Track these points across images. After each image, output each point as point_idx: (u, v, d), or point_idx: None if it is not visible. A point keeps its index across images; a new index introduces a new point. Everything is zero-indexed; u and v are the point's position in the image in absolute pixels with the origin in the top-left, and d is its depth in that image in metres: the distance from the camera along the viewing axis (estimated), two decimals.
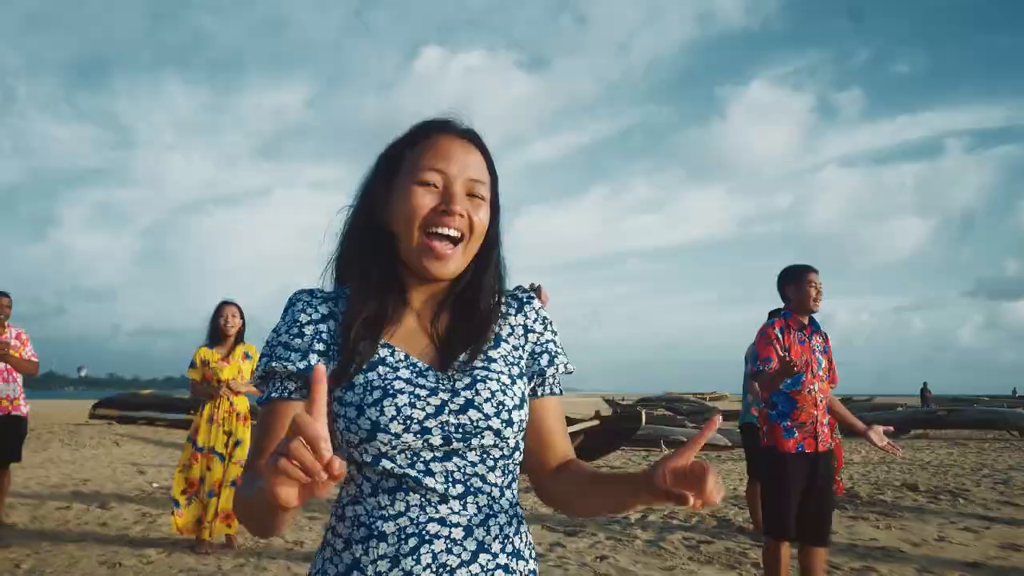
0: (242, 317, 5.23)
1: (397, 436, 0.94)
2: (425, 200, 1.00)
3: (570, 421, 11.25)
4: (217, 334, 5.14)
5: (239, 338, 5.22)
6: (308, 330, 1.00)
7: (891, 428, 3.69)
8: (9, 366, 5.49)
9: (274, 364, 0.98)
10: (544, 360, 1.10)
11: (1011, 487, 7.93)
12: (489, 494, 1.00)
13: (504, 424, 1.00)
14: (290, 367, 0.98)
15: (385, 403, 0.95)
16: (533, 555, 1.07)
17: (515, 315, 1.11)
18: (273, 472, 0.70)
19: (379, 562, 0.95)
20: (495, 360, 1.05)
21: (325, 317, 1.01)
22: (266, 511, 0.84)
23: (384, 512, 0.96)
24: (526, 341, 1.10)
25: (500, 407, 1.00)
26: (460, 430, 0.97)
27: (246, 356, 5.19)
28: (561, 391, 1.14)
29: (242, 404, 5.09)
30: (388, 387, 0.96)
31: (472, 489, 0.99)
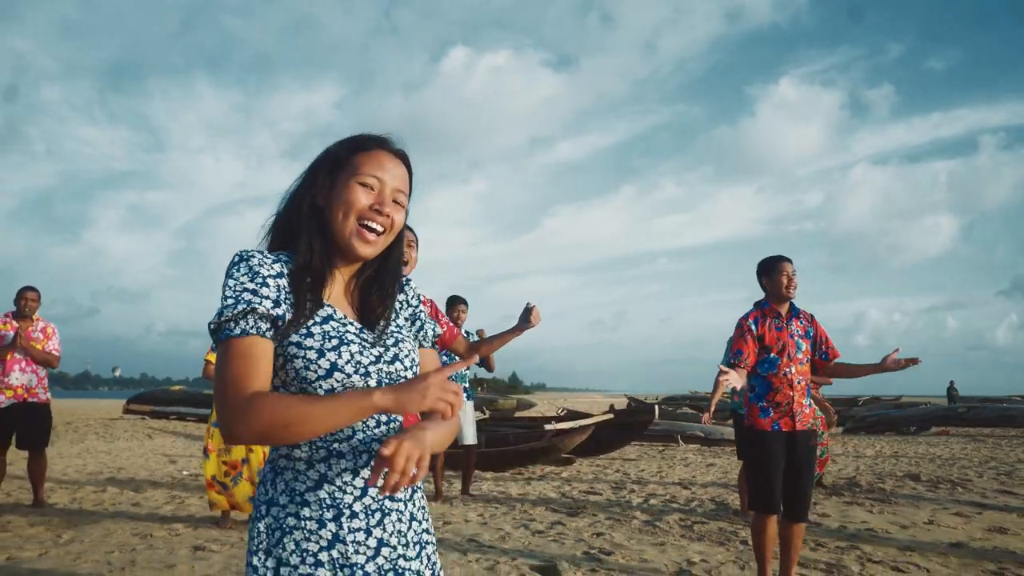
0: None
1: (348, 376, 1.23)
2: (363, 198, 1.29)
3: (585, 415, 11.52)
4: None
5: None
6: (271, 282, 1.24)
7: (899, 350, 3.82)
8: (28, 357, 5.89)
9: (254, 305, 1.20)
10: (418, 325, 1.43)
11: (1013, 478, 8.07)
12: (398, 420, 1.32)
13: (413, 374, 1.33)
14: (269, 310, 1.21)
15: (342, 349, 1.24)
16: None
17: (400, 293, 1.43)
18: (446, 395, 1.15)
19: (343, 474, 1.24)
20: (401, 327, 1.38)
21: (279, 274, 1.27)
22: (332, 419, 1.14)
23: (338, 436, 1.25)
24: (410, 312, 1.43)
25: (412, 362, 1.34)
26: (389, 376, 1.28)
27: None
28: (433, 346, 1.48)
29: None
30: (343, 337, 1.26)
31: (393, 418, 1.30)
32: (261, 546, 1.23)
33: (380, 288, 1.37)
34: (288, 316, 1.23)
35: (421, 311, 1.45)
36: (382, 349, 1.30)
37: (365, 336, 1.30)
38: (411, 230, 3.25)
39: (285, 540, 1.21)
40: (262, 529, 1.24)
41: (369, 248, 1.30)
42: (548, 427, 9.79)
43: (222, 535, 4.88)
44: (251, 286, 1.22)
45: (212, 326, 1.21)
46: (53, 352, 6.01)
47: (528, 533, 5.08)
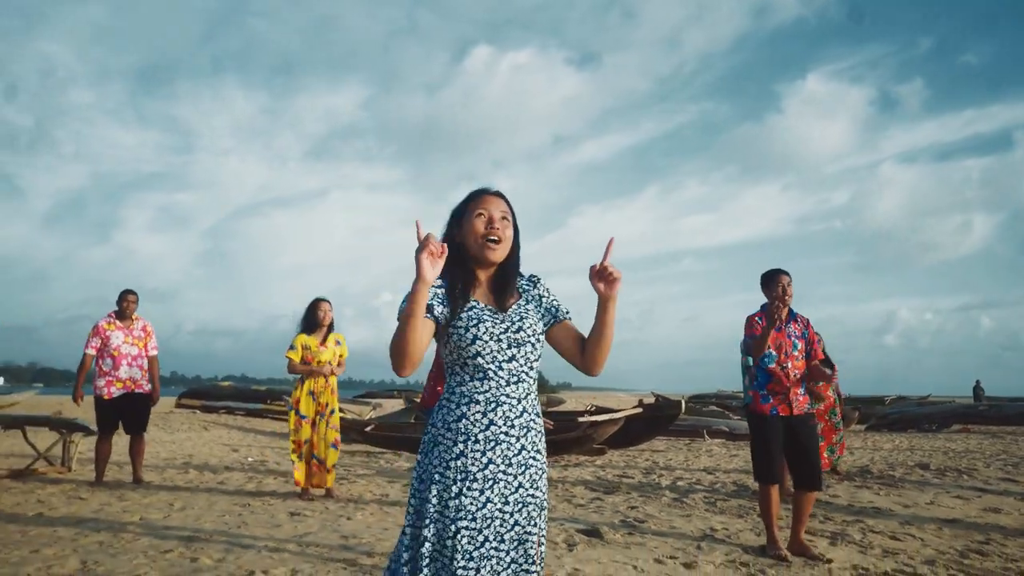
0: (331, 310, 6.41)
1: (485, 341, 1.96)
2: (480, 224, 2.05)
3: (613, 410, 12.21)
4: (314, 324, 6.30)
5: (330, 327, 6.39)
6: (432, 289, 1.95)
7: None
8: (136, 353, 6.79)
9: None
10: (553, 310, 2.13)
11: (1020, 468, 8.65)
12: (527, 384, 2.02)
13: (536, 340, 2.04)
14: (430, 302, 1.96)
15: (480, 325, 1.98)
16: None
17: (533, 288, 2.14)
18: (422, 247, 1.81)
19: (476, 414, 1.96)
20: (530, 309, 2.09)
21: (441, 285, 2.00)
22: (407, 318, 1.84)
23: (477, 387, 1.97)
24: (540, 301, 2.13)
25: (533, 330, 2.04)
26: (515, 341, 2.00)
27: (336, 343, 6.36)
28: (569, 318, 2.14)
29: (334, 380, 6.27)
30: (480, 317, 1.99)
31: (521, 379, 2.01)
32: (421, 450, 1.99)
33: (505, 283, 2.09)
34: (447, 311, 1.98)
35: (552, 299, 2.14)
36: (509, 323, 2.02)
37: (497, 315, 2.03)
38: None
39: (434, 450, 1.96)
40: (425, 441, 1.98)
41: (494, 254, 2.04)
42: (581, 419, 10.50)
43: (310, 506, 5.69)
44: None
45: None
46: (154, 351, 6.94)
47: (571, 506, 5.83)
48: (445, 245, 1.90)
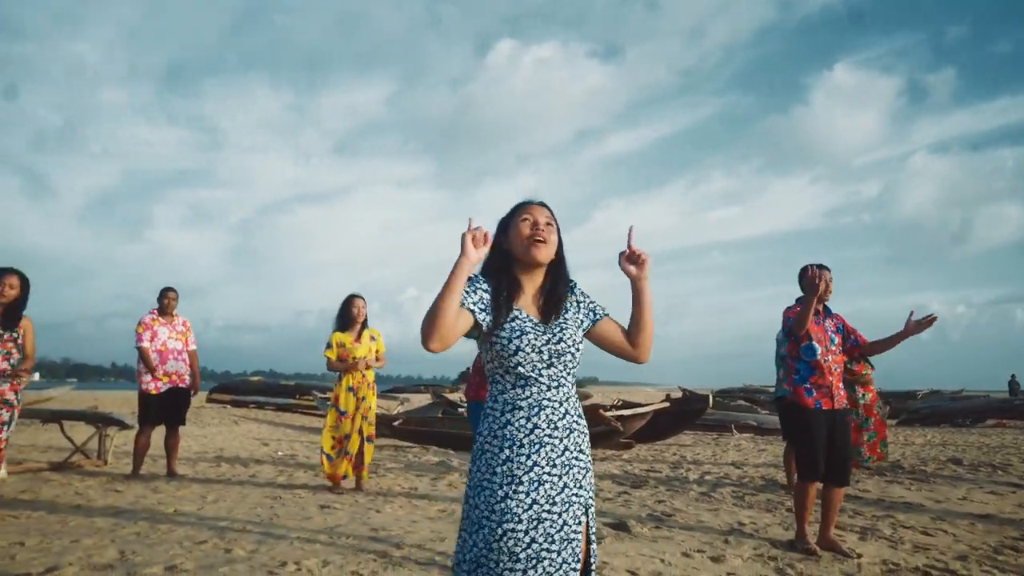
0: (366, 307, 6.48)
1: (527, 353, 2.00)
2: (526, 228, 2.10)
3: (640, 405, 12.21)
4: (348, 320, 6.37)
5: (364, 323, 6.45)
6: (479, 292, 2.02)
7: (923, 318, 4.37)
8: (180, 348, 6.94)
9: (464, 297, 1.97)
10: (591, 311, 2.18)
11: None
12: (567, 387, 2.07)
13: (575, 350, 2.08)
14: (468, 302, 1.98)
15: (523, 337, 2.01)
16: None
17: (570, 295, 2.18)
18: (468, 231, 1.92)
19: (519, 420, 2.00)
20: (568, 318, 2.12)
21: (485, 291, 2.05)
22: (443, 289, 1.88)
23: (519, 394, 2.02)
24: (579, 307, 2.17)
25: (573, 342, 2.09)
26: (555, 352, 2.04)
27: (371, 338, 6.42)
28: (607, 314, 2.20)
29: (371, 375, 6.34)
30: (523, 329, 2.03)
31: (561, 383, 2.05)
32: (472, 458, 2.03)
33: (552, 295, 2.14)
34: (491, 320, 2.02)
35: (589, 302, 2.19)
36: (551, 335, 2.06)
37: (539, 327, 2.06)
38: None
39: (482, 457, 2.00)
40: (474, 449, 2.03)
41: (540, 253, 2.08)
42: (609, 414, 10.50)
43: (339, 499, 5.76)
44: (467, 289, 2.01)
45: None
46: (193, 347, 7.12)
47: (599, 500, 5.85)
48: (488, 233, 1.98)
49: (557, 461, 2.00)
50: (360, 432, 6.17)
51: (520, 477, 1.94)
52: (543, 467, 1.97)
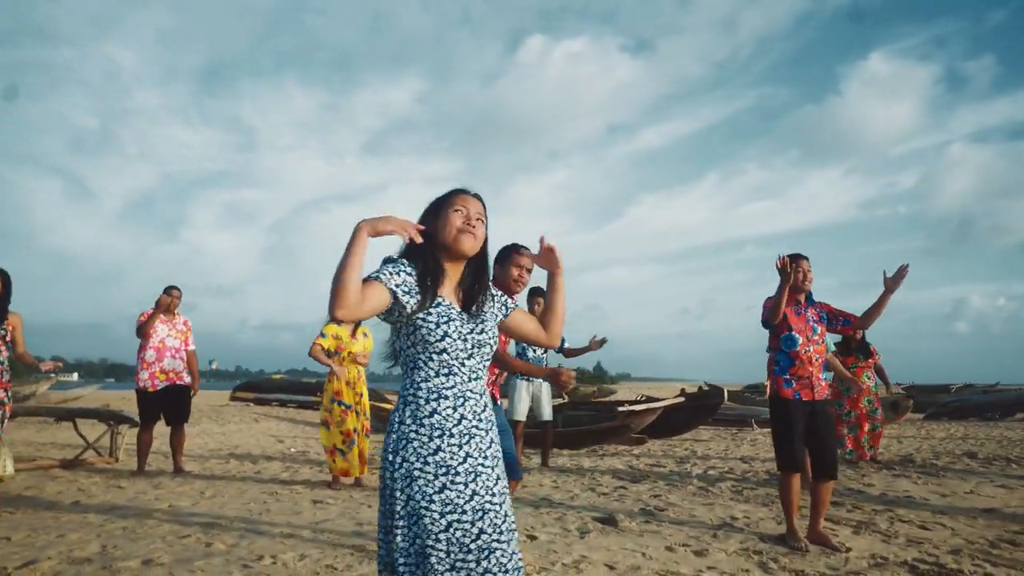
0: None
1: (453, 340, 1.99)
2: (458, 218, 2.07)
3: (657, 399, 12.12)
4: None
5: (359, 321, 6.48)
6: (402, 275, 1.98)
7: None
8: (178, 346, 7.02)
9: (381, 276, 1.94)
10: (504, 305, 2.21)
11: None
12: (483, 380, 2.08)
13: (494, 343, 2.10)
14: (390, 282, 1.94)
15: (450, 323, 2.00)
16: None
17: (490, 295, 2.18)
18: (401, 226, 1.92)
19: (446, 409, 1.98)
20: (487, 312, 2.14)
21: (410, 273, 2.02)
22: (347, 252, 1.82)
23: (444, 383, 2.00)
24: (493, 301, 2.19)
25: (494, 335, 2.10)
26: (477, 343, 2.04)
27: (364, 335, 6.45)
28: (516, 306, 2.25)
29: (362, 370, 6.38)
30: (450, 316, 2.02)
31: (479, 376, 2.06)
32: (391, 448, 1.98)
33: (474, 286, 2.13)
34: (415, 302, 1.98)
35: (500, 296, 2.23)
36: (474, 324, 2.06)
37: (464, 316, 2.06)
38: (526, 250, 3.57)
39: (407, 446, 1.96)
40: (394, 439, 1.97)
41: (468, 244, 2.06)
42: (621, 409, 10.45)
43: (335, 494, 5.80)
44: (388, 271, 1.97)
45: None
46: (192, 347, 7.22)
47: (594, 495, 5.82)
48: (412, 227, 1.97)
49: (488, 453, 2.01)
50: (360, 426, 6.21)
51: (456, 468, 1.93)
52: (476, 458, 1.97)
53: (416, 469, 1.93)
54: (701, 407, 11.60)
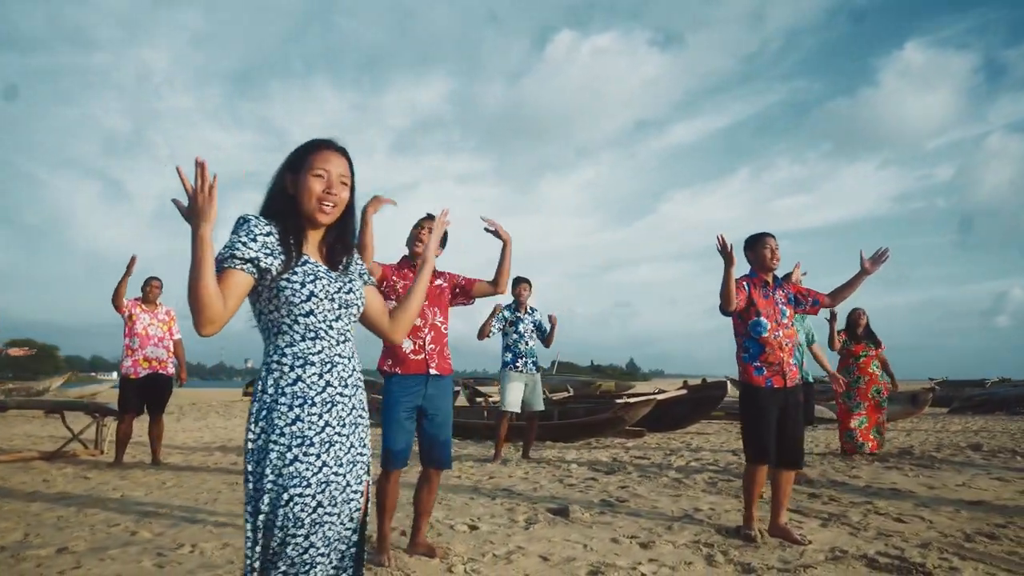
0: None
1: (320, 299, 1.84)
2: (317, 186, 1.90)
3: (661, 392, 11.86)
4: None
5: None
6: (260, 238, 1.82)
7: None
8: (161, 335, 7.00)
9: (236, 251, 1.78)
10: (363, 274, 2.06)
11: None
12: (352, 343, 1.93)
13: (361, 303, 1.96)
14: (248, 253, 1.79)
15: (316, 282, 1.85)
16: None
17: (355, 259, 2.04)
18: (200, 189, 1.68)
19: (311, 376, 1.83)
20: (353, 271, 2.00)
21: (268, 233, 1.85)
22: (193, 261, 1.65)
23: (310, 348, 1.85)
24: (357, 264, 2.04)
25: (360, 293, 1.96)
26: (345, 303, 1.90)
27: None
28: (373, 283, 2.10)
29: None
30: (316, 274, 1.86)
31: (347, 338, 1.91)
32: (252, 418, 1.82)
33: (340, 245, 1.99)
34: (279, 263, 1.83)
35: (360, 263, 2.08)
36: (342, 283, 1.92)
37: (331, 274, 1.91)
38: (431, 218, 3.77)
39: (269, 416, 1.80)
40: (255, 408, 1.83)
41: (326, 218, 1.92)
42: (617, 401, 10.23)
43: None
44: (245, 239, 1.80)
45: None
46: (177, 336, 7.24)
47: (560, 486, 5.62)
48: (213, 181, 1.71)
49: (346, 420, 1.88)
50: None
51: (311, 438, 1.79)
52: (334, 427, 1.84)
53: (271, 443, 1.78)
54: (703, 400, 11.33)
